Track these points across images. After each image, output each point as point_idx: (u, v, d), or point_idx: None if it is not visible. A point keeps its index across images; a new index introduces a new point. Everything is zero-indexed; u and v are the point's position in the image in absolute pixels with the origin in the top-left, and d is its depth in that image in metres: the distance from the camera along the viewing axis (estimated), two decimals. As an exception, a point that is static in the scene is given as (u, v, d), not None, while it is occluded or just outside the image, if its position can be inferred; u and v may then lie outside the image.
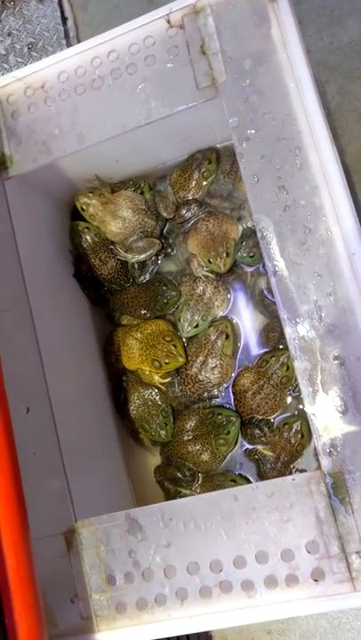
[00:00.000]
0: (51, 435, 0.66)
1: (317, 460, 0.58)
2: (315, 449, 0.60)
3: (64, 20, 1.27)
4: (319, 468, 0.57)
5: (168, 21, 0.64)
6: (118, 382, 0.93)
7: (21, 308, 0.67)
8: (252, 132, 0.62)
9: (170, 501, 0.61)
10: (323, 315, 0.58)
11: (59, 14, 1.27)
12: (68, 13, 1.26)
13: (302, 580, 0.56)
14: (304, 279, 0.59)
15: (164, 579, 0.60)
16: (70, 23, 1.27)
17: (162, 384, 0.91)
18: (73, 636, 0.61)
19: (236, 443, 0.87)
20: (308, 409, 0.58)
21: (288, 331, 0.59)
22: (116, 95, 0.65)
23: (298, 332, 0.58)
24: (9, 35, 1.31)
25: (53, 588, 0.62)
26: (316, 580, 0.56)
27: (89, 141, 0.66)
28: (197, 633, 0.96)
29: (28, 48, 1.27)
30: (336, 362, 0.57)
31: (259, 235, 0.61)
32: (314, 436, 0.57)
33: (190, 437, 0.88)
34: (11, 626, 0.50)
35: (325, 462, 0.57)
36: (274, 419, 0.86)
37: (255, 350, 0.89)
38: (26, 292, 0.68)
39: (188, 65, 0.63)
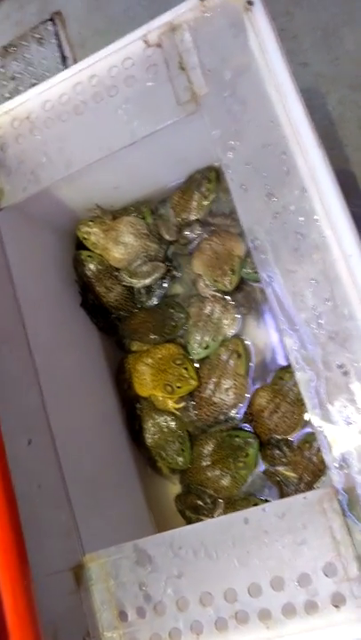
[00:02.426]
0: (54, 467, 0.64)
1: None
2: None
3: (64, 59, 1.29)
4: (331, 484, 0.54)
5: (146, 41, 0.64)
6: (132, 410, 0.91)
7: (18, 340, 0.67)
8: (237, 142, 0.60)
9: (178, 529, 0.58)
10: (322, 322, 0.55)
11: (58, 54, 1.30)
12: (67, 53, 1.29)
13: (322, 606, 0.52)
14: (300, 286, 0.57)
15: (177, 612, 0.57)
16: (70, 62, 1.29)
17: (176, 409, 0.89)
18: None
19: (256, 465, 0.84)
20: (315, 422, 0.55)
21: (287, 341, 0.57)
22: (100, 118, 0.65)
23: (297, 341, 0.56)
24: (12, 79, 1.34)
25: (65, 626, 0.59)
26: (336, 606, 0.52)
27: (76, 166, 0.66)
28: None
29: (32, 89, 1.30)
30: (340, 370, 0.54)
31: (251, 245, 0.59)
32: (323, 450, 0.54)
33: (209, 463, 0.85)
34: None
35: (337, 478, 0.53)
36: (293, 438, 0.83)
37: (269, 368, 0.86)
38: (23, 325, 0.67)
39: (167, 82, 0.63)
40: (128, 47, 0.65)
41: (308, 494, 0.54)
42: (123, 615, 0.58)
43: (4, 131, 0.69)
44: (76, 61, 1.30)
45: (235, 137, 0.61)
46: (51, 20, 1.31)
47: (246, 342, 0.87)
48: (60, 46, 1.29)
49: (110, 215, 0.91)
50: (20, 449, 0.61)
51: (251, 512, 0.56)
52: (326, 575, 0.52)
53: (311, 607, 0.53)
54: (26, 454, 0.62)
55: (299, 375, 0.55)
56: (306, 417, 0.81)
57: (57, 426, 0.66)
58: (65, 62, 1.28)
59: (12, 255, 0.69)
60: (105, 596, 0.59)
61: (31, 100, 0.68)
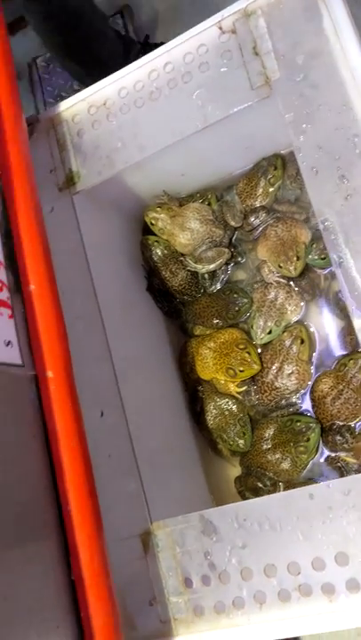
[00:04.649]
0: (125, 438, 0.67)
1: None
2: None
3: (132, 51, 1.32)
4: None
5: (220, 28, 0.65)
6: (194, 393, 0.93)
7: (93, 316, 0.70)
8: (308, 125, 0.61)
9: (244, 501, 0.60)
10: (393, 302, 0.56)
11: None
12: (135, 45, 1.32)
13: (386, 582, 0.53)
14: (371, 267, 0.57)
15: (240, 581, 0.58)
16: (137, 54, 1.32)
17: (238, 393, 0.90)
18: (152, 639, 0.61)
19: (316, 450, 0.84)
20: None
21: (358, 323, 0.57)
22: (173, 104, 0.67)
23: (367, 322, 0.56)
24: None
25: (132, 591, 0.62)
26: None
27: (149, 151, 0.68)
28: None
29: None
30: None
31: (321, 227, 0.60)
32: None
33: (269, 446, 0.86)
34: (86, 619, 0.50)
35: None
36: (355, 424, 0.83)
37: (332, 354, 0.87)
38: (97, 302, 0.70)
39: (241, 67, 0.64)
40: (202, 34, 0.67)
41: (375, 472, 0.55)
42: (188, 582, 0.60)
43: (81, 117, 0.72)
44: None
45: (307, 120, 0.62)
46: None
47: (310, 327, 0.88)
48: (128, 39, 1.32)
49: (177, 202, 0.93)
50: (94, 420, 0.64)
51: (316, 488, 0.57)
52: (391, 552, 0.53)
53: (375, 583, 0.53)
54: (98, 425, 0.65)
55: (367, 356, 0.56)
56: (370, 403, 0.81)
57: (127, 400, 0.69)
58: (133, 54, 1.31)
59: (86, 236, 0.72)
60: (171, 563, 0.61)
61: (107, 87, 0.71)
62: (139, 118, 0.69)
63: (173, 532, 0.62)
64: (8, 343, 0.53)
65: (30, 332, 0.56)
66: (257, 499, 0.60)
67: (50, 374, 0.55)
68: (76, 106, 0.72)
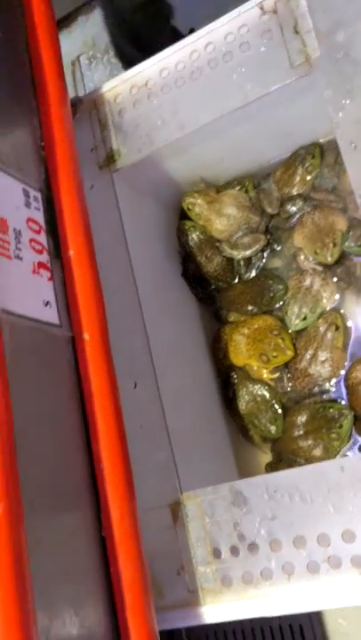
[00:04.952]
0: (157, 411, 0.67)
1: None
2: None
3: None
4: None
5: (261, 8, 0.66)
6: (227, 379, 0.94)
7: (129, 292, 0.71)
8: (348, 101, 0.62)
9: (274, 473, 0.60)
10: None
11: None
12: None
13: None
14: None
15: (269, 552, 0.58)
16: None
17: (271, 379, 0.90)
18: (180, 608, 0.61)
19: (349, 438, 0.84)
20: None
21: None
22: (214, 83, 0.68)
23: None
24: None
25: (160, 560, 0.62)
26: None
27: (189, 128, 0.69)
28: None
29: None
30: None
31: (359, 202, 0.60)
32: None
33: (301, 433, 0.86)
34: (115, 574, 0.51)
35: None
36: (390, 412, 0.82)
37: (368, 342, 0.86)
38: (134, 279, 0.72)
39: (281, 46, 0.65)
40: (244, 15, 0.68)
41: None
42: (216, 552, 0.60)
43: (123, 97, 0.74)
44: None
45: (346, 96, 0.62)
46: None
47: (345, 315, 0.87)
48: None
49: (214, 189, 0.94)
50: (127, 391, 0.65)
51: (347, 460, 0.57)
52: None
53: None
54: (131, 396, 0.66)
55: None
56: None
57: (161, 376, 0.70)
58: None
59: (125, 215, 0.73)
60: (200, 533, 0.61)
61: (149, 68, 0.72)
62: (179, 97, 0.70)
63: (203, 502, 0.62)
64: (47, 303, 0.55)
65: (68, 295, 0.57)
66: (288, 470, 0.60)
67: (86, 336, 0.56)
68: (118, 87, 0.74)
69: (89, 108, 0.76)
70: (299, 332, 0.89)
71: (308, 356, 0.87)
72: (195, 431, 0.81)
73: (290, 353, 0.87)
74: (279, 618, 0.98)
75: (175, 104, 0.71)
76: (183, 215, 0.96)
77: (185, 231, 0.93)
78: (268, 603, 0.57)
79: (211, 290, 0.96)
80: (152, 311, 0.75)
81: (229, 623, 0.99)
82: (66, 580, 0.49)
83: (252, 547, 0.59)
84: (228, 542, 0.60)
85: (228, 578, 0.60)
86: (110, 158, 0.73)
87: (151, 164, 0.79)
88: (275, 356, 0.87)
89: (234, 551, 0.60)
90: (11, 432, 0.42)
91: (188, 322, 0.94)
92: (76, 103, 0.75)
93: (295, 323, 0.88)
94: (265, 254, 0.93)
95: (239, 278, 0.94)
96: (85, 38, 1.37)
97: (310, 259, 0.89)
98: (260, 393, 0.90)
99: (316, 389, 0.87)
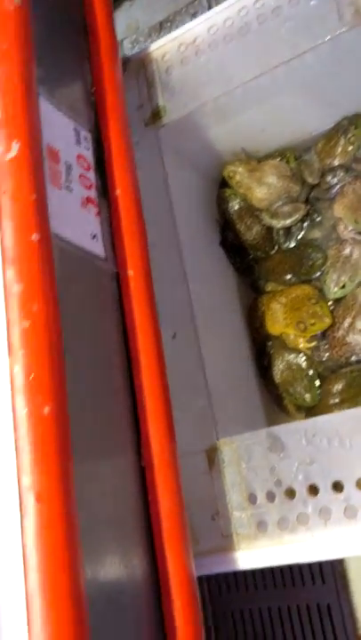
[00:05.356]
0: (196, 362, 0.68)
1: None
2: None
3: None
4: None
5: None
6: (262, 348, 0.93)
7: (172, 244, 0.71)
8: None
9: (313, 418, 0.59)
10: None
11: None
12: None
13: None
14: None
15: (306, 497, 0.58)
16: None
17: (307, 348, 0.90)
18: (214, 553, 0.61)
19: (386, 406, 0.82)
20: None
21: None
22: (262, 38, 0.69)
23: None
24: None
25: (195, 505, 0.62)
26: None
27: (235, 82, 0.70)
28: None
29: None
30: None
31: None
32: None
33: (337, 401, 0.85)
34: (154, 503, 0.51)
35: None
36: None
37: None
38: (176, 233, 0.72)
39: (331, -1, 0.66)
40: (293, -30, 0.68)
41: None
42: (252, 497, 0.60)
43: (171, 55, 0.75)
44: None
45: (396, 47, 0.62)
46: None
47: (385, 284, 0.86)
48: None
49: (255, 160, 0.95)
50: (166, 340, 0.65)
51: (389, 405, 0.56)
52: None
53: None
54: (170, 346, 0.66)
55: None
56: None
57: (201, 328, 0.70)
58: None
59: (169, 171, 0.74)
60: (236, 479, 0.61)
61: (198, 26, 0.73)
62: (227, 53, 0.71)
63: (240, 447, 0.62)
64: (94, 236, 0.56)
65: (114, 233, 0.58)
66: (327, 415, 0.59)
67: (130, 273, 0.57)
68: (166, 45, 0.75)
69: (137, 67, 0.77)
70: (337, 301, 0.88)
71: (345, 325, 0.86)
72: (230, 396, 0.81)
73: (328, 320, 0.86)
74: (306, 597, 0.97)
75: (223, 60, 0.71)
76: (223, 185, 0.96)
77: (225, 199, 0.94)
78: (303, 548, 0.57)
79: (249, 259, 0.96)
80: (193, 271, 0.76)
81: (256, 602, 0.98)
82: (106, 515, 0.50)
83: (289, 492, 0.59)
84: (265, 487, 0.60)
85: (264, 523, 0.59)
86: (156, 115, 0.74)
87: (195, 126, 0.80)
88: (312, 324, 0.87)
89: (270, 496, 0.60)
90: (59, 335, 0.43)
91: (225, 290, 0.94)
92: (124, 62, 0.76)
93: (334, 291, 0.87)
94: (304, 225, 0.93)
95: (278, 248, 0.94)
96: (130, 22, 1.39)
97: (350, 228, 0.88)
98: (295, 362, 0.90)
99: (353, 358, 0.86)
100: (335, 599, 0.96)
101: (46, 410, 0.41)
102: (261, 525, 0.59)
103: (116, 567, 0.49)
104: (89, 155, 0.59)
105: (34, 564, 0.36)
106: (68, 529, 0.38)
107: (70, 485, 0.40)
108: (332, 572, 0.94)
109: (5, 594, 0.38)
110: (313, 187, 0.93)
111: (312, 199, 0.94)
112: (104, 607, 0.46)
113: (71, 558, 0.38)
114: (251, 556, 0.59)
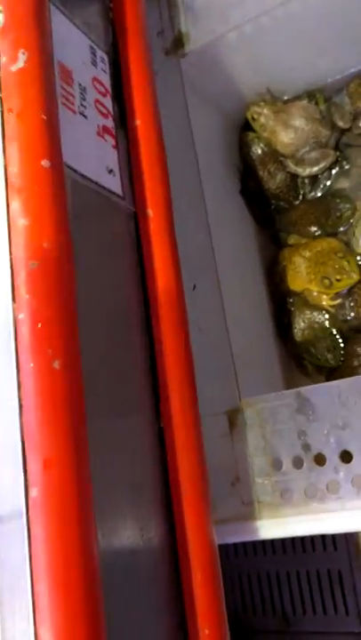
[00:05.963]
0: (218, 314, 0.62)
1: None
2: None
3: None
4: None
5: None
6: (282, 305, 0.88)
7: (193, 186, 0.65)
8: None
9: (348, 379, 0.54)
10: None
11: None
12: None
13: None
14: None
15: (338, 463, 0.53)
16: None
17: (331, 306, 0.84)
18: (233, 522, 0.56)
19: None
20: None
21: None
22: None
23: None
24: None
25: (213, 470, 0.57)
26: None
27: (269, 4, 0.62)
28: None
29: None
30: None
31: None
32: None
33: (361, 363, 0.80)
34: (172, 462, 0.47)
35: None
36: None
37: None
38: (198, 171, 0.66)
39: None
40: None
41: None
42: (277, 463, 0.55)
43: (196, -23, 0.67)
44: None
45: None
46: None
47: None
48: None
49: (281, 101, 0.87)
50: (186, 291, 0.59)
51: None
52: None
53: None
54: (190, 297, 0.60)
55: None
56: None
57: (223, 279, 0.64)
58: None
59: (190, 104, 0.67)
60: (259, 443, 0.57)
61: None
62: (259, -29, 0.63)
63: (264, 409, 0.57)
64: (110, 171, 0.49)
65: (133, 168, 0.52)
66: (363, 376, 0.54)
67: (150, 213, 0.51)
68: (191, -33, 0.67)
69: (157, -13, 0.69)
70: (365, 256, 0.82)
71: (374, 282, 0.80)
72: (251, 351, 0.75)
73: (355, 276, 0.81)
74: (317, 562, 0.95)
75: (254, -22, 0.64)
76: (246, 128, 0.89)
77: (248, 142, 0.87)
78: (333, 518, 0.52)
79: (270, 210, 0.89)
80: (215, 219, 0.70)
81: (267, 566, 0.96)
82: (122, 479, 0.45)
83: (319, 458, 0.54)
84: (291, 453, 0.55)
85: (289, 490, 0.55)
86: (178, 42, 0.67)
87: (218, 60, 0.73)
88: (338, 280, 0.81)
89: (297, 462, 0.55)
90: (72, 279, 0.37)
91: (246, 242, 0.88)
92: (143, -19, 0.68)
93: (363, 244, 0.81)
94: (333, 173, 0.86)
95: (303, 198, 0.88)
96: None
97: (383, 177, 0.81)
98: (318, 320, 0.84)
99: (380, 318, 0.81)
100: (347, 566, 0.93)
101: (56, 364, 0.36)
102: (286, 493, 0.55)
103: (132, 535, 0.44)
104: (106, 78, 0.52)
105: (41, 540, 0.31)
106: (81, 499, 0.33)
107: (84, 450, 0.34)
108: (345, 539, 0.92)
109: (11, 573, 0.33)
110: (343, 131, 0.86)
111: (342, 145, 0.86)
112: (119, 577, 0.42)
113: (83, 536, 0.33)
114: (273, 525, 0.55)
